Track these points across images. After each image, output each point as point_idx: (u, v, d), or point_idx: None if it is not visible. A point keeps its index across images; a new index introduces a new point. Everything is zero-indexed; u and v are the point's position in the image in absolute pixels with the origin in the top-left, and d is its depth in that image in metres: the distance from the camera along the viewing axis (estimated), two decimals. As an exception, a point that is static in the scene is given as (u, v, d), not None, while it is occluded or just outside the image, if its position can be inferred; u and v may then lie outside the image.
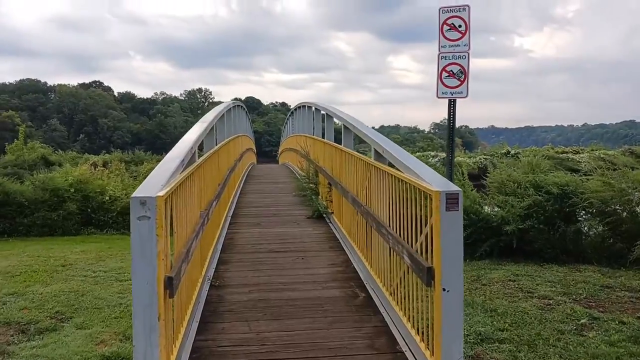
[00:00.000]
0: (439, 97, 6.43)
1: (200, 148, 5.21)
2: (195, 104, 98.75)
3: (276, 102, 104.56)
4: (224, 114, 7.54)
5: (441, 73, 6.42)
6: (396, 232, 3.70)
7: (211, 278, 4.85)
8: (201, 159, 4.66)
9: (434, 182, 3.09)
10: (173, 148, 3.76)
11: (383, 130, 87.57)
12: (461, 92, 6.48)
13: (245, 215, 8.03)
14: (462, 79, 6.36)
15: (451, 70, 6.38)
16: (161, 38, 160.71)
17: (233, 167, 8.63)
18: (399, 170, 3.70)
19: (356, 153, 5.45)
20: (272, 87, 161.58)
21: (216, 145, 6.40)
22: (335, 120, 7.85)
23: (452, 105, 6.63)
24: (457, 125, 7.21)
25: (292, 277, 4.97)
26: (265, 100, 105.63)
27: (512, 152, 34.58)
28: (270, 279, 4.88)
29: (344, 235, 6.14)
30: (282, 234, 6.74)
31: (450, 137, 6.86)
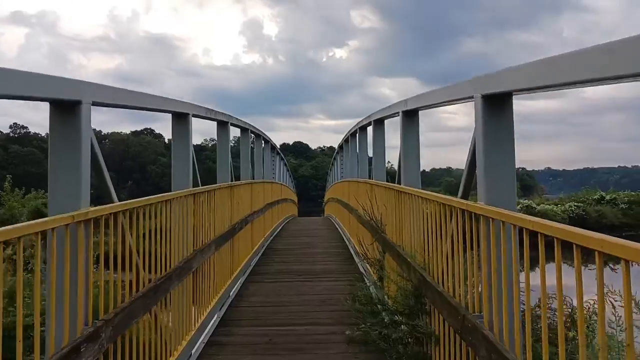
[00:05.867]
0: None
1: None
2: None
3: (323, 147, 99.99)
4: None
5: None
6: None
7: None
8: None
9: None
10: None
11: (435, 172, 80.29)
12: None
13: None
14: None
15: None
16: (212, 88, 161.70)
17: (202, 251, 3.26)
18: None
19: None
20: (319, 132, 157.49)
21: None
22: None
23: None
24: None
25: None
26: (313, 145, 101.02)
27: (608, 197, 27.74)
28: None
29: None
30: None
31: None
